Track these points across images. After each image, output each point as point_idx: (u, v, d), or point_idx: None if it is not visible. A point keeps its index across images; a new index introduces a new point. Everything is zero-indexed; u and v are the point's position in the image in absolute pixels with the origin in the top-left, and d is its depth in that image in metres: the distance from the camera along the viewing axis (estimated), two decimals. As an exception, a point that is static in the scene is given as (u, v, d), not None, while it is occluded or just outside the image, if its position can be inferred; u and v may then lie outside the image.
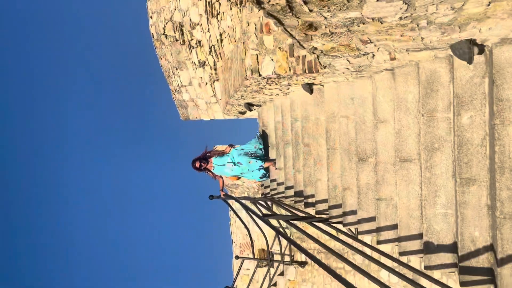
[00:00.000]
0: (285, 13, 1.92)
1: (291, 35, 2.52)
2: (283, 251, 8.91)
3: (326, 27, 2.24)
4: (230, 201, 7.29)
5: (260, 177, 6.58)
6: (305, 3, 1.75)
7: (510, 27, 2.14)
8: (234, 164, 6.50)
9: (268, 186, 6.98)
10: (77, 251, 32.33)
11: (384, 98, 3.77)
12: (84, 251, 32.42)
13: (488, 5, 1.73)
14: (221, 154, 6.65)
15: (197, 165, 6.58)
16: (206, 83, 8.68)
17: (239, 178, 6.99)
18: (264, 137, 6.60)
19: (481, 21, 2.01)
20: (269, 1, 1.79)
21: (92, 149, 35.13)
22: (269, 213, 5.19)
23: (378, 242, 3.92)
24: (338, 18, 2.01)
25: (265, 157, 6.41)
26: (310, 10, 1.89)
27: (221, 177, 6.91)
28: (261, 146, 6.42)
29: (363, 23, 2.10)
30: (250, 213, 5.38)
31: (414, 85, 3.44)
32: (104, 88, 36.52)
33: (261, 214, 5.13)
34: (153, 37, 7.94)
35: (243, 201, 5.95)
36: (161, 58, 8.18)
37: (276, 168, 6.23)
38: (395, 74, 3.56)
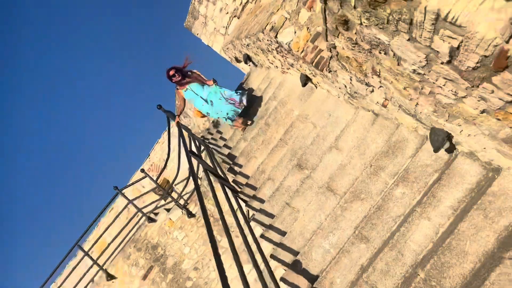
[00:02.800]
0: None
1: (324, 20, 2.54)
2: (182, 194, 9.02)
3: (356, 34, 2.28)
4: (172, 124, 7.23)
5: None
6: (355, -3, 1.79)
7: (483, 146, 2.29)
8: (206, 102, 5.95)
9: (212, 134, 7.03)
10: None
11: (354, 132, 3.90)
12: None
13: (482, 112, 1.84)
14: (202, 83, 6.01)
15: (171, 73, 5.88)
16: (227, 13, 8.49)
17: (203, 116, 6.40)
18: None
19: (467, 123, 2.13)
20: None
21: None
22: (196, 153, 5.24)
23: (261, 236, 4.10)
24: (369, 32, 2.06)
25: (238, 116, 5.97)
26: (354, 7, 1.92)
27: (185, 103, 6.34)
28: (245, 105, 5.90)
29: (385, 53, 2.16)
30: (182, 143, 5.41)
31: (383, 140, 3.59)
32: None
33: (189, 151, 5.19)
34: None
35: (183, 131, 5.97)
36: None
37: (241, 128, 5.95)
38: (376, 121, 3.69)
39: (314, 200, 3.78)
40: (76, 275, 9.05)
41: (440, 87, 1.96)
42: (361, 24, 2.06)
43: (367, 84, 3.14)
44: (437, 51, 1.68)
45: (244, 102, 5.92)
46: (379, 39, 2.07)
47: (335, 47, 2.85)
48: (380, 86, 2.95)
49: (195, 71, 6.21)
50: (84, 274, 8.29)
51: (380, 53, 2.26)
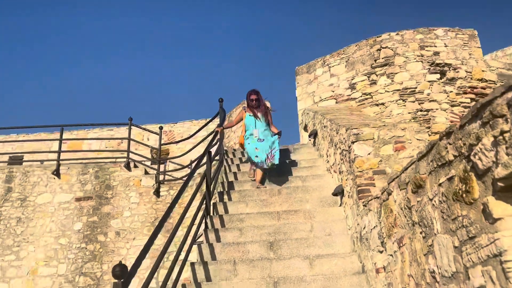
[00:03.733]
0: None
1: (402, 171, 2.56)
2: (167, 172, 9.00)
3: (418, 202, 2.27)
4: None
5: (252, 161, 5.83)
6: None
7: None
8: (258, 140, 5.73)
9: (234, 157, 7.04)
10: None
11: (334, 265, 3.81)
12: None
13: None
14: (268, 122, 5.90)
15: (253, 97, 5.88)
16: (333, 91, 8.73)
17: (243, 147, 6.06)
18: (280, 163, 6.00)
19: None
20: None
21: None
22: (211, 155, 5.26)
23: (191, 263, 3.99)
24: (429, 212, 2.04)
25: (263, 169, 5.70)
26: (439, 184, 1.93)
27: (236, 125, 6.34)
28: (276, 163, 5.67)
29: (424, 237, 2.12)
30: (210, 142, 5.46)
31: (350, 294, 3.47)
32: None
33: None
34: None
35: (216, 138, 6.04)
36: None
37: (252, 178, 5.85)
38: (359, 276, 3.60)
39: (250, 277, 3.65)
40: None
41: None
42: (430, 200, 2.06)
43: (382, 244, 3.09)
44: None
45: (276, 161, 5.67)
46: (432, 223, 2.05)
47: (389, 194, 2.84)
48: (390, 255, 2.89)
49: (270, 108, 6.26)
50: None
51: (420, 234, 2.23)
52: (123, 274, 2.47)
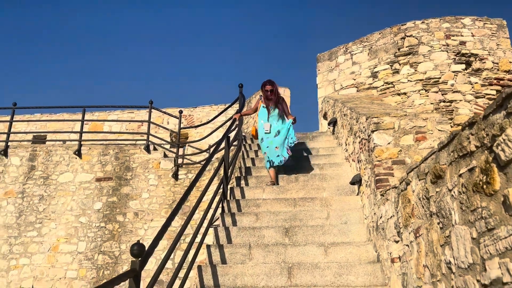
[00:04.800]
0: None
1: (424, 159, 2.53)
2: (186, 156, 9.09)
3: (436, 192, 2.25)
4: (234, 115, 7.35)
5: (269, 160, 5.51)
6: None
7: None
8: (270, 130, 5.53)
9: (251, 143, 7.06)
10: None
11: (348, 253, 3.81)
12: None
13: None
14: (283, 113, 5.69)
15: (268, 88, 5.68)
16: (354, 79, 8.62)
17: (256, 137, 5.94)
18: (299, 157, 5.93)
19: None
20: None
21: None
22: (229, 140, 5.28)
23: (207, 246, 4.05)
24: (447, 203, 2.01)
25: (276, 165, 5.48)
26: (460, 175, 1.90)
27: (253, 113, 6.15)
28: (286, 156, 5.45)
29: (441, 228, 2.10)
30: (228, 127, 5.41)
31: (361, 282, 3.47)
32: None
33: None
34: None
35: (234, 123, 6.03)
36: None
37: (269, 182, 5.41)
38: (374, 265, 3.59)
39: (265, 262, 3.69)
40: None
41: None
42: (450, 191, 2.03)
43: (398, 234, 3.07)
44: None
45: (288, 150, 5.48)
46: (450, 214, 2.02)
47: (407, 184, 2.82)
48: (406, 245, 2.88)
49: (285, 101, 5.96)
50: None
51: (438, 224, 2.20)
52: (141, 253, 2.53)
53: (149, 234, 7.79)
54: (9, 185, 8.07)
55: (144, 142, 8.60)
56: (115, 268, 7.56)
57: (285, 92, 9.90)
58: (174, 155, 8.58)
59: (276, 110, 5.65)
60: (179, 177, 8.15)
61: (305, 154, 6.20)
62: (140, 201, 8.00)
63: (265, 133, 5.53)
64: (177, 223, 7.38)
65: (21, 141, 9.55)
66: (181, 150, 9.63)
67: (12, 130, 8.67)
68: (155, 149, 8.60)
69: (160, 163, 8.29)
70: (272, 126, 5.56)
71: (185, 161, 9.20)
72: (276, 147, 5.42)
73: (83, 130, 8.71)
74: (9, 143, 8.46)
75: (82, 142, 8.40)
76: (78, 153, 8.26)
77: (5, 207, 7.92)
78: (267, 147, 5.46)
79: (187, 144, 10.00)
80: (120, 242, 7.73)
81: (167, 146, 9.68)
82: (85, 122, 8.97)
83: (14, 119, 8.77)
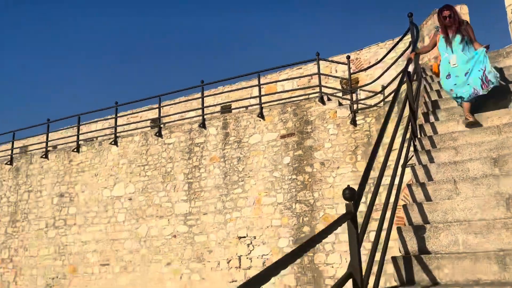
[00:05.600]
0: None
1: None
2: (361, 101, 9.01)
3: None
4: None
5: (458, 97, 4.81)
6: None
7: None
8: (457, 67, 4.76)
9: (432, 76, 6.55)
10: None
11: None
12: None
13: None
14: (470, 40, 4.85)
15: (446, 13, 4.89)
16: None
17: (438, 74, 5.19)
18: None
19: None
20: None
21: None
22: (410, 75, 5.01)
23: (407, 185, 4.03)
24: None
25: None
26: None
27: (431, 49, 5.41)
28: (480, 89, 4.63)
29: None
30: (405, 66, 5.03)
31: None
32: None
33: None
34: None
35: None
36: None
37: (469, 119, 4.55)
38: None
39: (475, 195, 3.47)
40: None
41: None
42: None
43: None
44: None
45: (493, 80, 4.61)
46: None
47: None
48: None
49: (469, 24, 5.10)
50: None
51: None
52: (352, 196, 2.70)
53: (338, 181, 8.11)
54: (212, 152, 9.37)
55: (317, 94, 8.82)
56: (312, 215, 8.16)
57: (461, 10, 8.70)
58: (348, 102, 8.59)
59: (459, 38, 4.88)
60: (357, 122, 8.16)
61: (499, 75, 5.46)
62: (324, 151, 8.33)
63: (452, 67, 4.84)
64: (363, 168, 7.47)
65: (212, 113, 10.88)
66: (354, 95, 9.58)
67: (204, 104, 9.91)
68: (329, 99, 8.76)
69: (336, 112, 8.42)
70: (458, 58, 4.83)
71: (360, 106, 9.12)
72: (466, 79, 4.73)
73: (261, 94, 9.41)
74: (205, 116, 9.74)
75: (262, 105, 9.10)
76: (261, 115, 8.99)
77: (212, 171, 9.26)
78: (455, 84, 4.77)
79: (359, 88, 9.86)
80: (312, 191, 8.27)
81: (340, 94, 9.73)
82: (261, 86, 9.66)
83: (204, 95, 10.01)
